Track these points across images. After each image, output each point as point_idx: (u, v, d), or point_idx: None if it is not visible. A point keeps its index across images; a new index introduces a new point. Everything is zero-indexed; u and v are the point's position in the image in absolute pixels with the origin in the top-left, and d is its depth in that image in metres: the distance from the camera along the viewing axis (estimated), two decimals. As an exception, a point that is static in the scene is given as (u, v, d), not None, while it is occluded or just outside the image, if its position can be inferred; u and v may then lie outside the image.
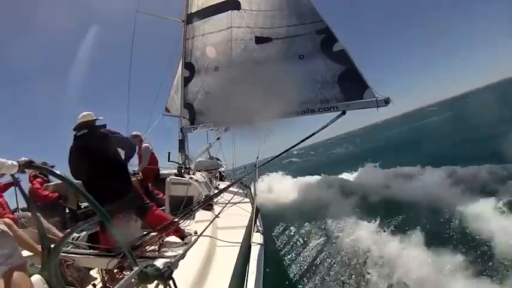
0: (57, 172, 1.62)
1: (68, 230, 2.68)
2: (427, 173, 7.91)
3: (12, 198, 3.09)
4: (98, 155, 2.54)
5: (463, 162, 7.66)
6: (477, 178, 6.55)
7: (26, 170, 1.55)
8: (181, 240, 2.60)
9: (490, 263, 3.94)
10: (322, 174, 11.84)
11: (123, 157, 2.87)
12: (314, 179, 11.46)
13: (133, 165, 4.95)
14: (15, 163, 1.49)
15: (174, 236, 2.70)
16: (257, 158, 6.09)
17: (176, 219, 2.74)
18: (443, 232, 5.00)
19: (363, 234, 5.50)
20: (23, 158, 1.54)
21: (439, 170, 7.65)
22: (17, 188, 3.26)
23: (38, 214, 2.51)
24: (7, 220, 2.42)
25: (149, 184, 4.88)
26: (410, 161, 9.64)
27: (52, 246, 1.62)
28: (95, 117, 2.76)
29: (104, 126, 2.80)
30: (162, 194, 4.59)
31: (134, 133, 5.30)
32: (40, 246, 1.95)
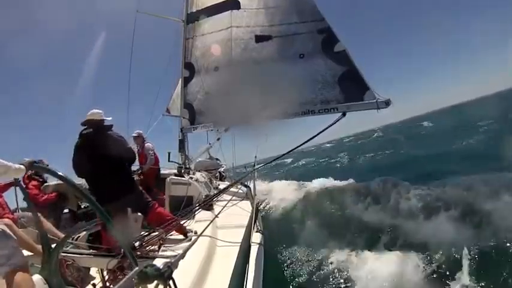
0: (59, 173, 1.62)
1: (68, 230, 2.70)
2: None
3: (12, 198, 3.08)
4: (102, 155, 2.55)
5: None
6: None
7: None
8: (184, 237, 2.61)
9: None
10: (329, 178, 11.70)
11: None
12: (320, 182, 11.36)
13: (134, 164, 5.01)
14: (22, 167, 1.47)
15: (175, 235, 2.71)
16: (255, 157, 6.07)
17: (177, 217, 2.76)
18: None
19: (363, 233, 5.51)
20: (26, 159, 1.53)
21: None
22: (16, 188, 3.27)
23: (39, 214, 2.52)
24: (7, 220, 2.42)
25: (150, 184, 4.88)
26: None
27: (53, 246, 1.62)
28: (103, 117, 2.78)
29: (111, 127, 2.82)
30: (162, 194, 4.61)
31: (136, 132, 5.30)
32: (40, 247, 1.95)
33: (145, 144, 5.18)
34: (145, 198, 2.85)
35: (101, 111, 2.79)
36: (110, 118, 2.84)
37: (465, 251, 4.25)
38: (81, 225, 2.17)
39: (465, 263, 4.09)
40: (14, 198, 3.02)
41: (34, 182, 3.99)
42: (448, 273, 4.07)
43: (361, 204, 7.12)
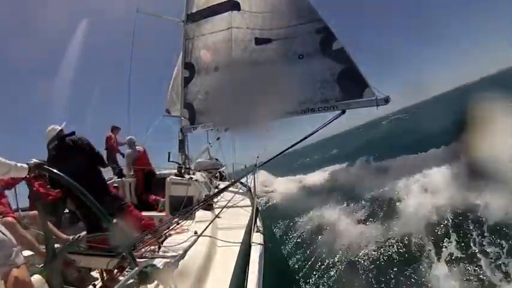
0: (64, 176, 1.62)
1: (79, 235, 2.72)
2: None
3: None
4: (66, 164, 2.57)
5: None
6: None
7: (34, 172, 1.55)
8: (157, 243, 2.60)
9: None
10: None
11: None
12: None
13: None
14: (25, 166, 1.48)
15: (174, 236, 2.71)
16: (257, 157, 6.08)
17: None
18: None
19: (363, 232, 5.50)
20: (34, 160, 1.53)
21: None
22: (17, 188, 3.27)
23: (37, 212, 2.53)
24: (10, 219, 2.43)
25: (139, 185, 5.02)
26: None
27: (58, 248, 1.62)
28: (58, 128, 2.86)
29: (73, 133, 2.90)
30: (154, 197, 4.66)
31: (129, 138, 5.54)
32: (41, 247, 1.95)
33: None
34: (119, 200, 2.96)
35: (53, 126, 2.87)
36: (64, 123, 2.91)
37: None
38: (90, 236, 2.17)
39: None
40: (15, 198, 3.05)
41: (40, 181, 4.01)
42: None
43: (366, 196, 7.00)
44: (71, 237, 2.73)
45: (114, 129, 6.26)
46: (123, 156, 5.96)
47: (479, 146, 5.31)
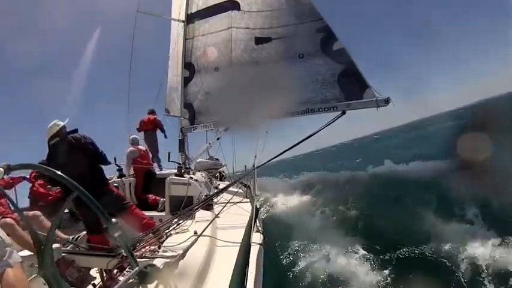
0: (46, 167, 1.61)
1: (78, 235, 2.70)
2: None
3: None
4: (68, 162, 2.58)
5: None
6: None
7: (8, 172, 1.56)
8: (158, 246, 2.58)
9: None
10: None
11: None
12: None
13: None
14: (1, 169, 1.49)
15: (174, 236, 2.71)
16: (255, 157, 6.09)
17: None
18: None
19: (367, 231, 5.50)
20: (3, 163, 1.55)
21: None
22: (16, 188, 3.27)
23: (39, 213, 2.54)
24: (9, 220, 2.43)
25: (139, 184, 4.99)
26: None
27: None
28: (61, 124, 2.83)
29: (75, 130, 2.86)
30: (154, 197, 4.65)
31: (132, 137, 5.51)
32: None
33: (128, 149, 5.37)
34: (121, 200, 2.94)
35: (55, 121, 2.83)
36: (67, 119, 2.88)
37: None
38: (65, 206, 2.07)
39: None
40: (15, 198, 3.06)
41: (40, 181, 4.00)
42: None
43: (367, 198, 6.97)
44: (70, 237, 2.74)
45: (153, 112, 6.57)
46: (166, 137, 6.40)
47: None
